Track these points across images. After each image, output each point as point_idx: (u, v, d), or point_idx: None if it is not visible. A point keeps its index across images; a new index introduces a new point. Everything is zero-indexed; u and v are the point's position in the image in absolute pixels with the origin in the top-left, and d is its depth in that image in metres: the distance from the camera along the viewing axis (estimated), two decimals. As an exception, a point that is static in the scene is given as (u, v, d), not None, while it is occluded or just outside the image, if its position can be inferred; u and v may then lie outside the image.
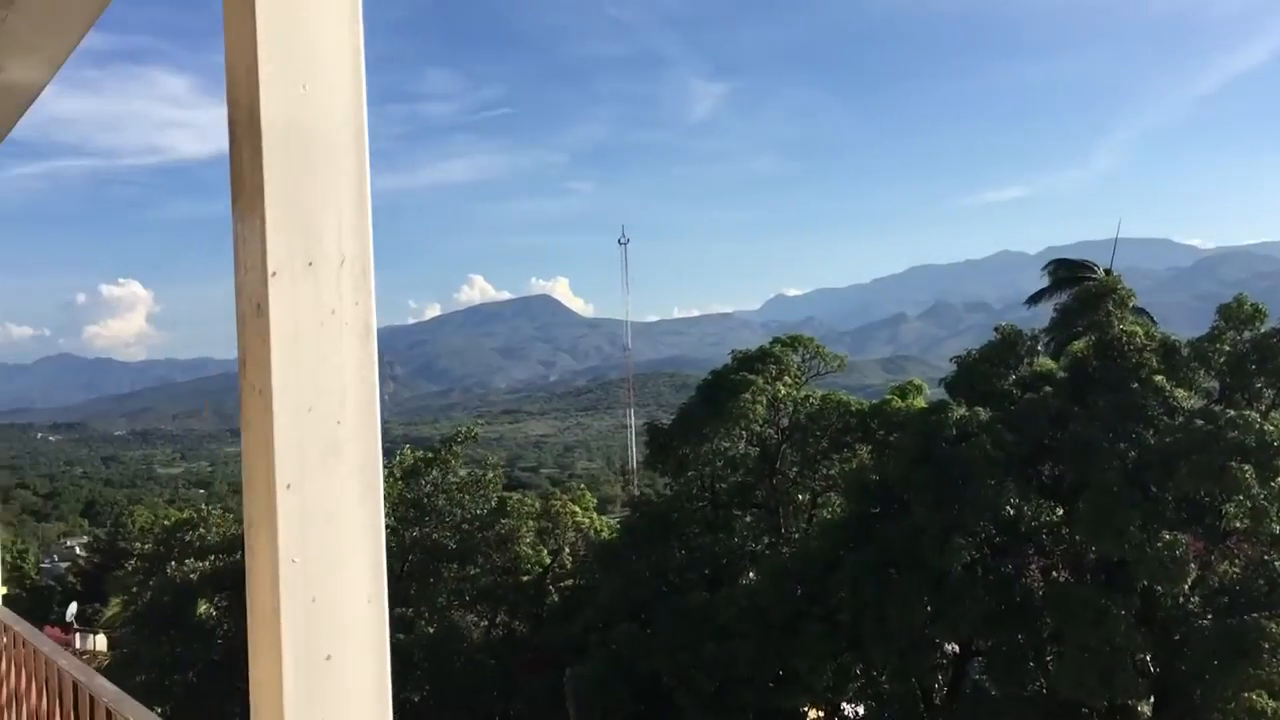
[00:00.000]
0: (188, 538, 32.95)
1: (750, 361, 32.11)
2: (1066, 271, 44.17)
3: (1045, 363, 28.93)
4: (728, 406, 30.41)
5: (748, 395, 30.36)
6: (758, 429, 31.16)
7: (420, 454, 34.48)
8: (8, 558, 54.53)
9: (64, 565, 75.23)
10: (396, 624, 34.06)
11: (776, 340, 33.29)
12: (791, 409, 31.51)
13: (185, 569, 30.66)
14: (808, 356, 33.18)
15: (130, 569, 34.90)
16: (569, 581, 34.66)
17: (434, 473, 33.59)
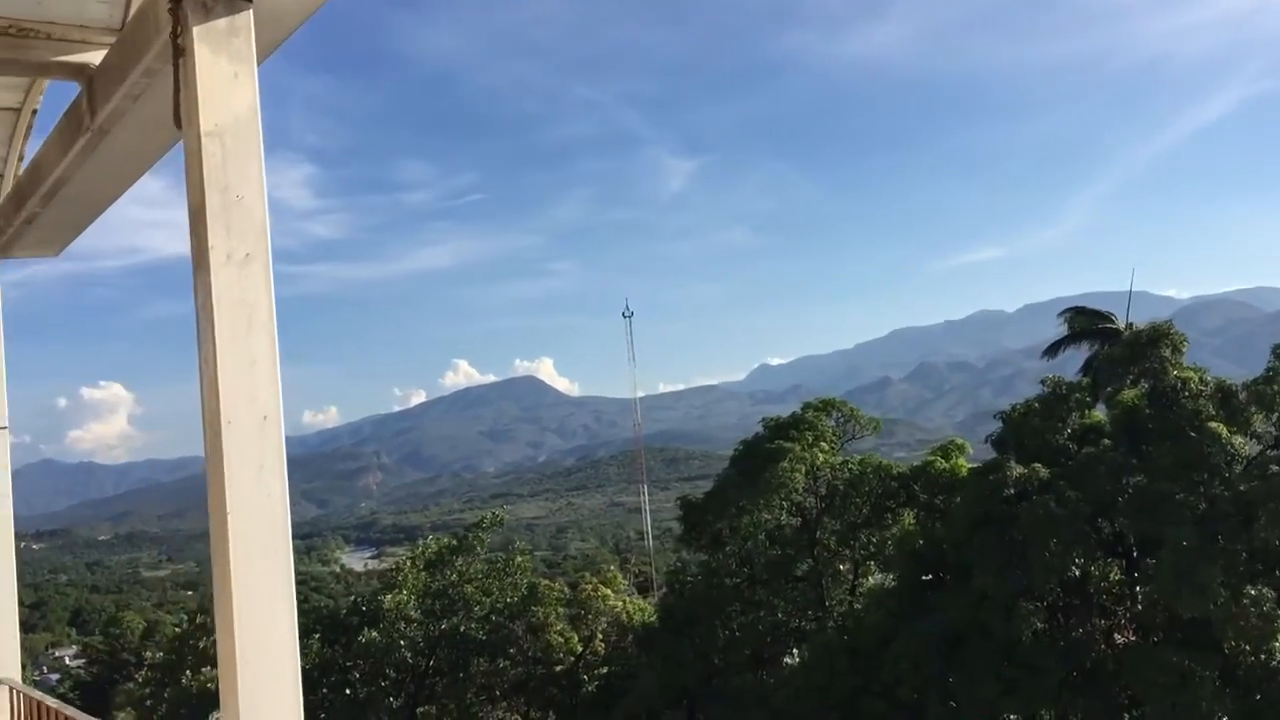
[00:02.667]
0: (201, 645, 31.22)
1: (784, 428, 30.91)
2: (1086, 321, 43.21)
3: (1094, 415, 27.81)
4: (765, 476, 29.13)
5: (786, 464, 29.12)
6: (798, 498, 29.84)
7: (445, 541, 32.98)
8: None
9: (54, 677, 72.41)
10: (422, 723, 32.27)
11: (808, 405, 32.14)
12: (830, 475, 30.26)
13: (201, 679, 28.93)
14: (841, 420, 32.00)
15: (141, 680, 33.06)
16: (603, 669, 33.00)
17: (459, 560, 32.06)
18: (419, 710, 32.38)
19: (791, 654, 30.45)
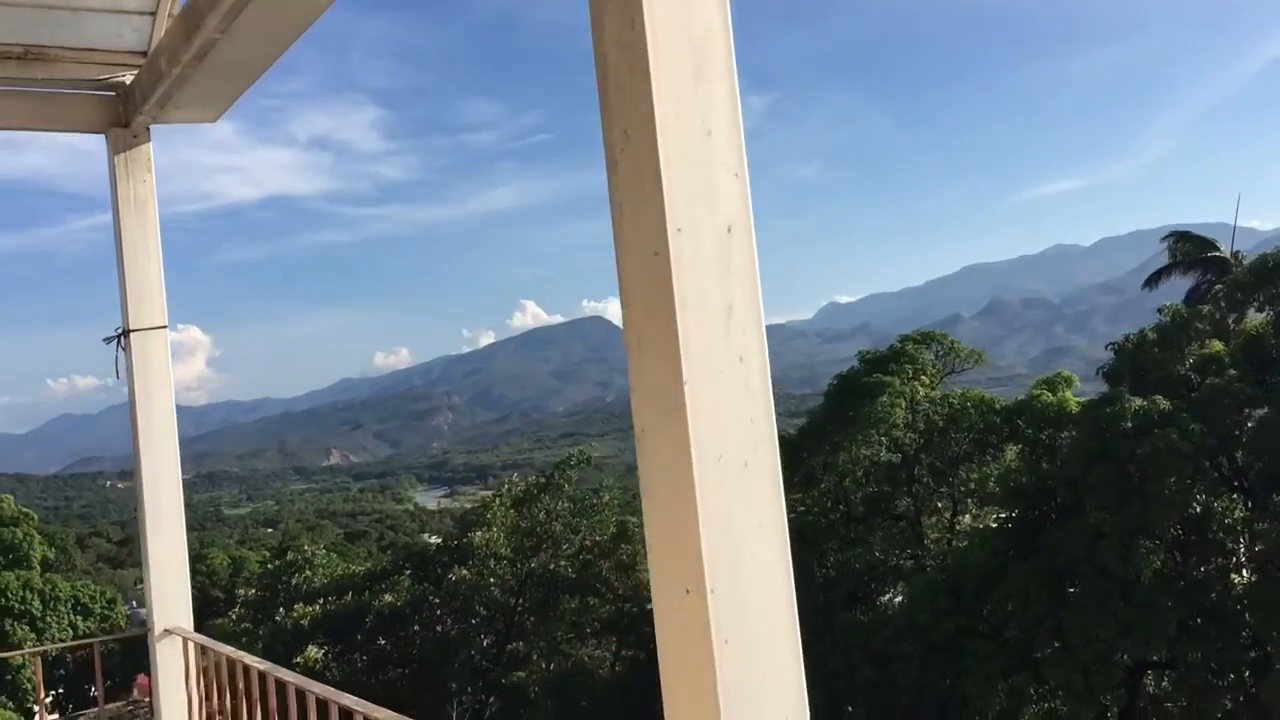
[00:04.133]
0: (294, 581, 31.26)
1: (882, 362, 29.87)
2: (1191, 249, 41.29)
3: (1213, 344, 26.36)
4: (864, 411, 28.17)
5: (885, 398, 28.13)
6: (897, 434, 28.86)
7: (532, 480, 32.58)
8: (97, 608, 53.48)
9: (143, 612, 74.31)
10: (512, 660, 32.16)
11: (907, 338, 31.03)
12: (929, 410, 29.20)
13: (295, 615, 28.95)
14: (941, 353, 30.85)
15: (235, 616, 33.29)
16: (694, 608, 32.48)
17: (546, 498, 31.64)
18: (508, 647, 32.23)
19: (890, 593, 29.66)
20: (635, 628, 32.31)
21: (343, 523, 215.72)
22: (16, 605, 49.86)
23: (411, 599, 29.72)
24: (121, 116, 5.67)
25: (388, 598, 29.09)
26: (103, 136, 5.70)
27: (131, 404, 5.78)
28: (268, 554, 64.78)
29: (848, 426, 28.73)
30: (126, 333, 5.79)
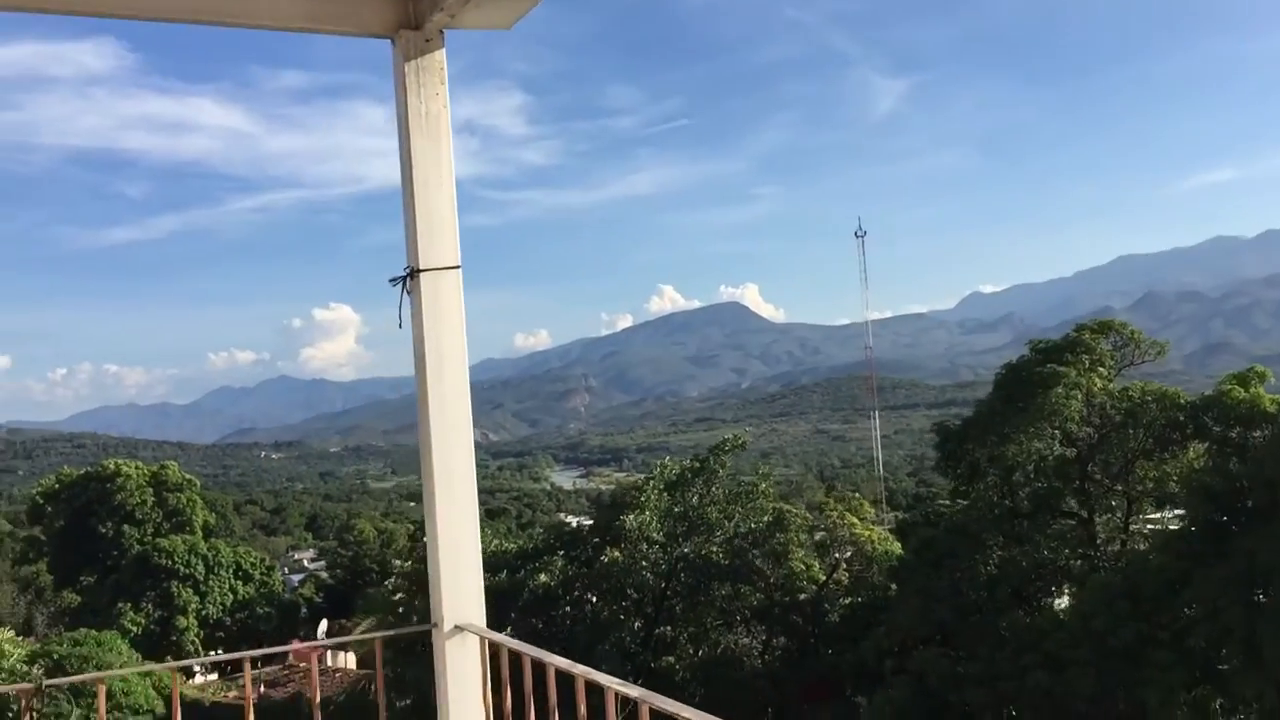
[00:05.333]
0: (448, 556, 31.57)
1: (1057, 351, 28.44)
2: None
3: None
4: (1037, 402, 26.84)
5: (1059, 389, 26.74)
6: (1071, 427, 27.43)
7: (686, 464, 32.16)
8: (256, 574, 55.36)
9: (296, 578, 76.68)
10: (660, 644, 31.82)
11: (1084, 326, 29.47)
12: (1106, 403, 27.67)
13: (450, 589, 29.20)
14: (1120, 343, 29.22)
15: (390, 587, 33.83)
16: (847, 600, 31.67)
17: (700, 483, 31.18)
18: (656, 631, 31.93)
19: (1057, 594, 28.30)
20: (786, 618, 31.69)
21: (482, 500, 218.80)
22: (182, 568, 51.94)
23: (564, 579, 29.66)
24: (412, 17, 4.99)
25: (542, 577, 29.07)
26: (389, 41, 5.08)
27: (418, 357, 5.05)
28: (412, 527, 66.15)
29: (1017, 418, 27.44)
30: (414, 272, 4.99)
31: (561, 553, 30.99)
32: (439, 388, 5.03)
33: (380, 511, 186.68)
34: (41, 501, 71.93)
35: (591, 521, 38.13)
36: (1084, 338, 28.61)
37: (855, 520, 31.97)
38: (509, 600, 29.39)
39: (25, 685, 4.84)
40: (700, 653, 31.35)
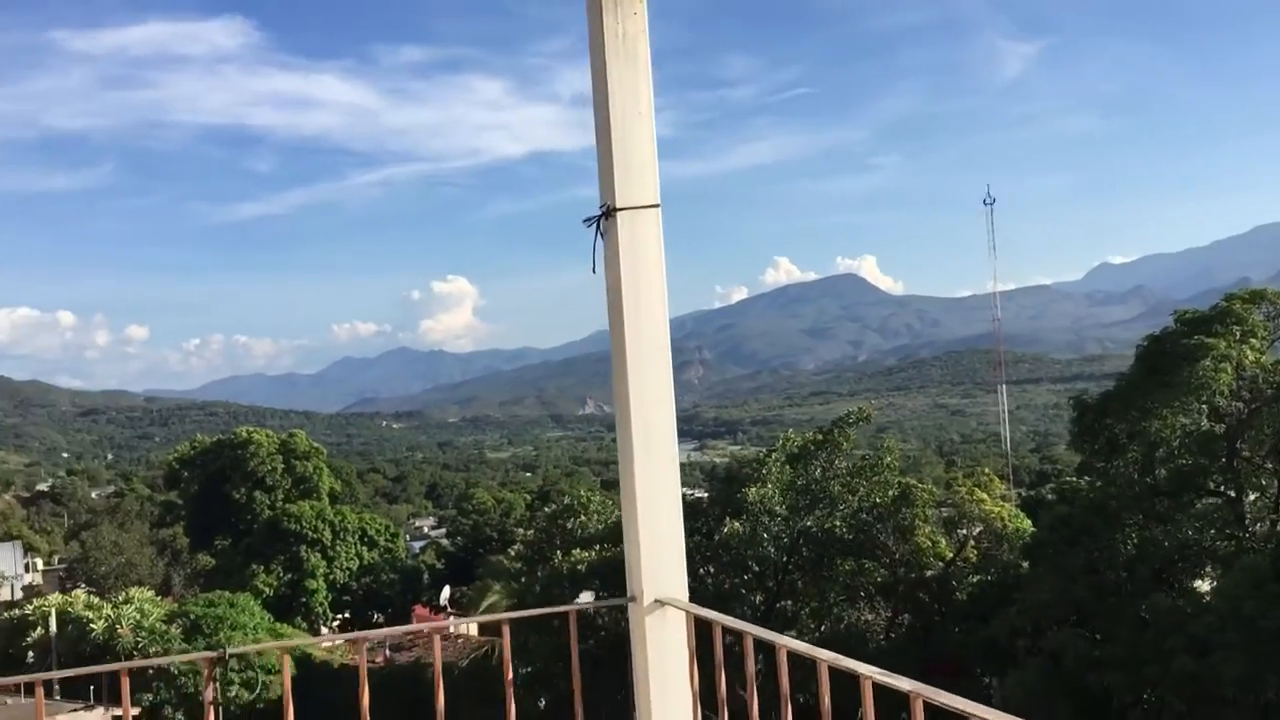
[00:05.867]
0: (569, 525, 31.64)
1: (1204, 322, 27.02)
2: None
3: None
4: (1183, 375, 25.55)
5: (1208, 362, 25.40)
6: (1221, 402, 26.06)
7: (809, 436, 31.61)
8: (381, 540, 56.56)
9: (417, 545, 78.31)
10: (778, 620, 31.41)
11: (1234, 296, 27.96)
12: (1259, 377, 26.20)
13: (571, 559, 29.24)
14: (1272, 314, 27.64)
15: (513, 555, 34.14)
16: (975, 578, 30.79)
17: (823, 456, 30.61)
18: (777, 605, 31.54)
19: (1201, 577, 27.02)
20: (912, 595, 30.98)
21: (599, 470, 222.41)
22: (310, 533, 53.32)
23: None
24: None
25: (662, 548, 28.98)
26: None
27: (613, 305, 4.57)
28: (529, 496, 66.88)
29: (1161, 392, 26.18)
30: (610, 211, 4.53)
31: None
32: (637, 337, 4.57)
33: (497, 481, 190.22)
34: (178, 467, 74.82)
35: (706, 494, 37.94)
36: (1235, 308, 27.10)
37: (985, 496, 31.02)
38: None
39: (208, 654, 4.63)
40: (823, 628, 30.83)
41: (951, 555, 31.25)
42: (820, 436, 31.32)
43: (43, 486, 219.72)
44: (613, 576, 29.88)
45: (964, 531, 31.53)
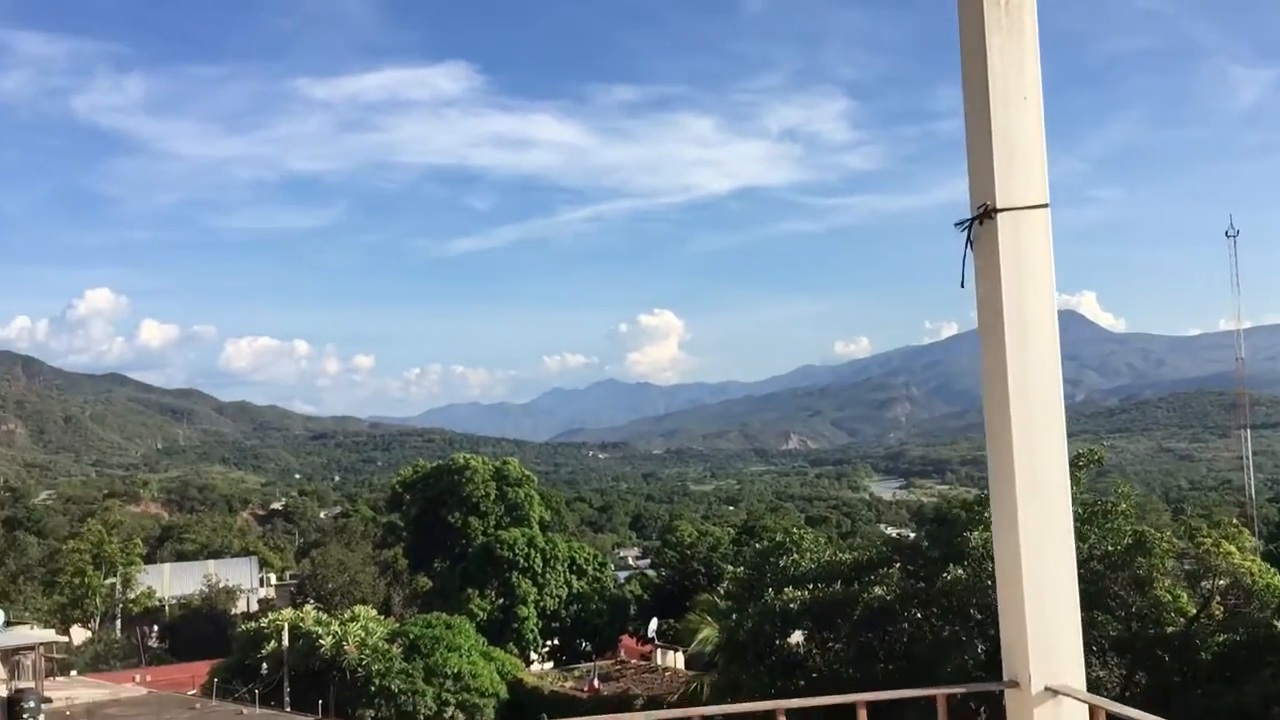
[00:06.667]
0: (781, 563, 31.11)
1: None
2: None
3: None
4: None
5: None
6: None
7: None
8: (590, 569, 57.24)
9: (622, 575, 78.99)
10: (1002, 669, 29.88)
11: None
12: None
13: (784, 597, 28.69)
14: None
15: (723, 592, 33.86)
16: (1223, 637, 28.45)
17: (1050, 500, 29.01)
18: (999, 656, 30.03)
19: None
20: (1150, 652, 28.90)
21: (801, 506, 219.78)
22: (521, 560, 54.48)
23: (900, 594, 28.46)
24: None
25: (877, 590, 28.04)
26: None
27: (986, 322, 3.93)
28: (732, 530, 66.45)
29: None
30: (988, 212, 3.91)
31: (899, 564, 29.79)
32: (1022, 366, 3.91)
33: (700, 514, 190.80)
34: (400, 490, 78.12)
35: (912, 534, 36.58)
36: None
37: (1233, 548, 28.68)
38: (843, 611, 28.54)
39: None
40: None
41: (1195, 611, 29.01)
42: (1047, 479, 29.74)
43: (277, 505, 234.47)
44: (825, 617, 29.17)
45: (1208, 585, 29.23)
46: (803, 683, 29.50)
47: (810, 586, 29.43)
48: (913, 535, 45.58)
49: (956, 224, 3.88)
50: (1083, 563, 28.16)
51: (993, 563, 16.49)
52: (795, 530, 34.92)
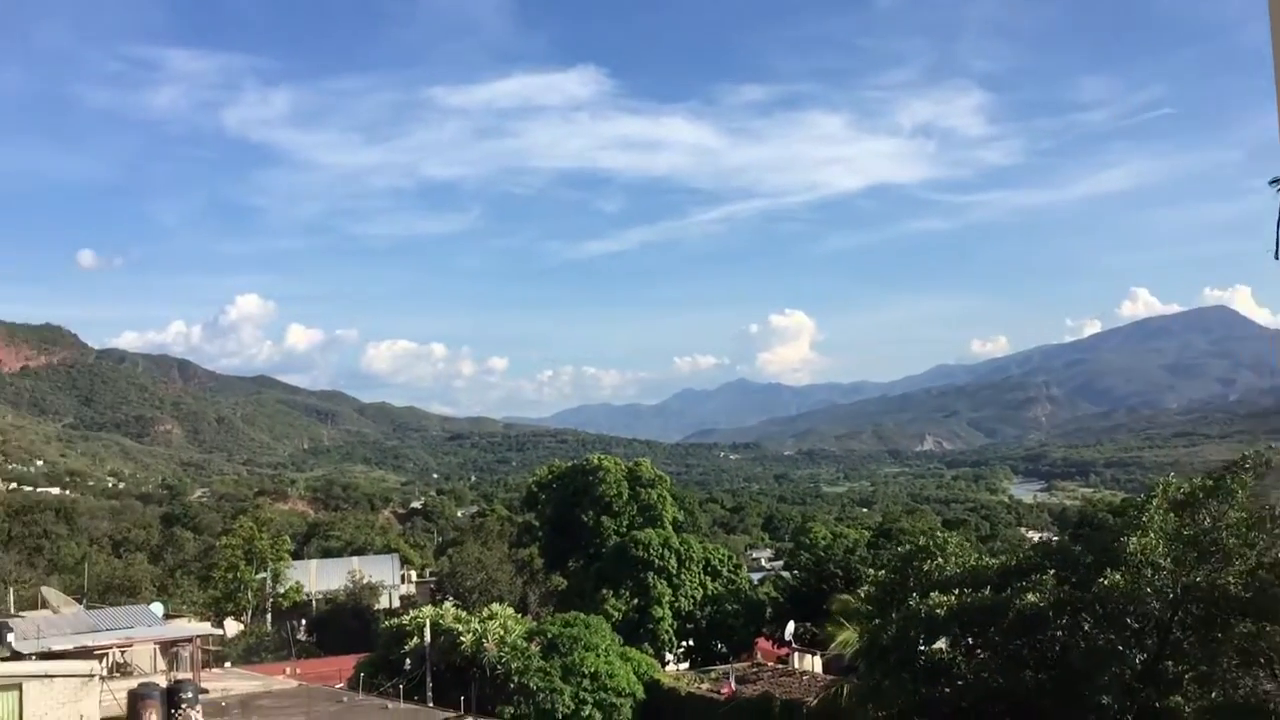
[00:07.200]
0: (925, 568, 30.30)
1: None
2: None
3: None
4: None
5: None
6: None
7: (1197, 482, 28.63)
8: (724, 570, 56.93)
9: (755, 576, 78.36)
10: (1159, 682, 28.54)
11: None
12: None
13: (930, 603, 27.90)
14: None
15: (864, 596, 33.20)
16: (1406, 652, 26.59)
17: (1213, 504, 27.54)
18: (1160, 665, 28.66)
19: None
20: (1326, 666, 27.21)
21: (938, 509, 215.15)
22: (656, 560, 54.46)
23: (1054, 601, 27.38)
24: None
25: (1030, 597, 27.03)
26: None
27: None
28: (867, 533, 65.21)
29: None
30: None
31: (1052, 570, 28.67)
32: None
33: (833, 516, 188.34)
34: (535, 490, 79.02)
35: (1055, 538, 35.15)
36: None
37: None
38: (992, 618, 27.61)
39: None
40: (1213, 695, 27.69)
41: (1374, 624, 27.18)
42: (1210, 482, 28.20)
43: (416, 504, 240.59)
44: (973, 624, 28.27)
45: (1391, 598, 27.34)
46: (947, 690, 28.67)
47: (956, 592, 28.57)
48: (1055, 539, 44.01)
49: (1271, 181, 3.62)
50: (1249, 571, 26.73)
51: (1153, 569, 15.53)
52: (939, 534, 33.97)
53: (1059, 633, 27.75)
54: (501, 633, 40.90)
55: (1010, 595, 27.47)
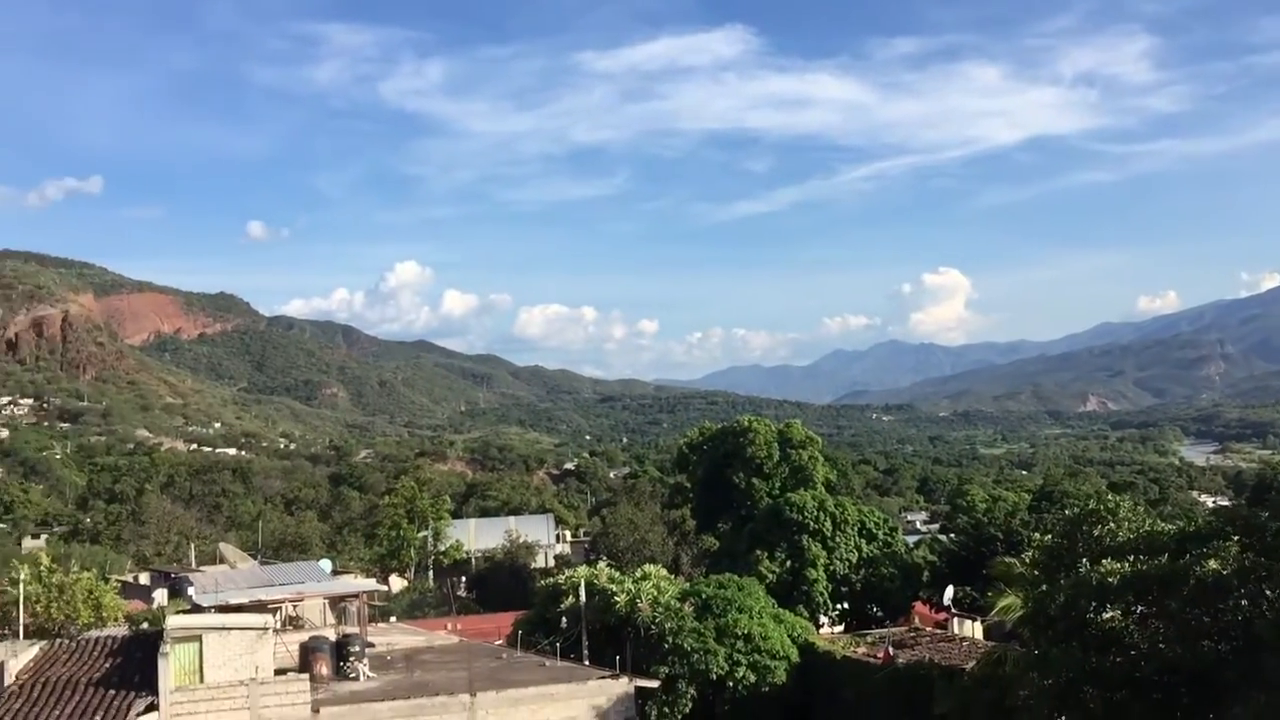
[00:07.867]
0: (1095, 532, 28.95)
1: None
2: None
3: None
4: None
5: None
6: None
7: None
8: (880, 534, 55.89)
9: (910, 539, 76.84)
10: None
11: None
12: None
13: (1101, 570, 26.65)
14: None
15: (1029, 561, 31.99)
16: None
17: None
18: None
19: None
20: None
21: (1103, 472, 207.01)
22: (811, 522, 53.83)
23: (1238, 568, 25.81)
24: None
25: (1211, 564, 25.53)
26: None
27: None
28: (1027, 496, 63.07)
29: None
30: None
31: (1235, 538, 27.02)
32: None
33: (991, 478, 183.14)
34: (686, 451, 79.16)
35: (1229, 503, 33.16)
36: None
37: None
38: (1169, 587, 26.20)
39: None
40: None
41: None
42: None
43: (569, 465, 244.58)
44: (1150, 592, 26.89)
45: None
46: (1119, 659, 27.41)
47: (1130, 558, 27.22)
48: (1231, 504, 41.57)
49: None
50: None
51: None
52: (1110, 497, 32.39)
53: (1243, 602, 26.19)
54: (655, 593, 41.01)
55: (1189, 562, 26.02)
